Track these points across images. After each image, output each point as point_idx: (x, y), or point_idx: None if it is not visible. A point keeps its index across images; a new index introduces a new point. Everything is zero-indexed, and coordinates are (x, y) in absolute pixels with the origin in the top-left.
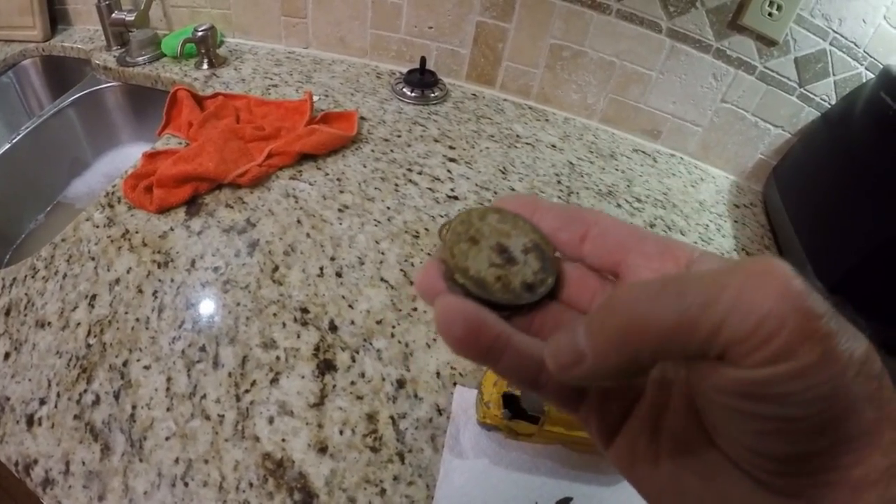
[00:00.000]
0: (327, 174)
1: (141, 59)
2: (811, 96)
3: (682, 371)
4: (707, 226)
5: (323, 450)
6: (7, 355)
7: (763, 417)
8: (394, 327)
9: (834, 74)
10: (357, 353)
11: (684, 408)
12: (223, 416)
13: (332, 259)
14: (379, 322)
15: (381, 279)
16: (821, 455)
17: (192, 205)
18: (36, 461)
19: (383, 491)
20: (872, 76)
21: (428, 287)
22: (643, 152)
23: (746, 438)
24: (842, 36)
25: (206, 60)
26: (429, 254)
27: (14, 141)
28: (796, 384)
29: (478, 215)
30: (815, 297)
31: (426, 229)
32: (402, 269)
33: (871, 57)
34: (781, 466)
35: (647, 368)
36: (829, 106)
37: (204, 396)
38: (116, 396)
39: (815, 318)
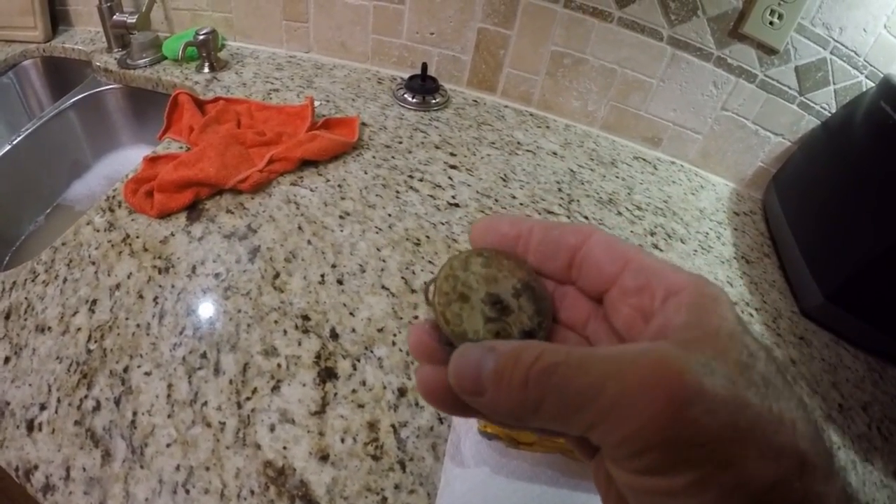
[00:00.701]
0: (328, 180)
1: (142, 61)
2: (811, 105)
3: None
4: (707, 234)
5: (324, 458)
6: (7, 359)
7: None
8: (395, 335)
9: (834, 83)
10: (358, 361)
11: None
12: (224, 423)
13: (334, 266)
14: (380, 330)
15: (383, 287)
16: None
17: (193, 210)
18: (36, 467)
19: (384, 499)
20: (872, 85)
21: (423, 353)
22: (644, 160)
23: None
24: (842, 45)
25: (207, 64)
26: (430, 262)
27: (14, 142)
28: (666, 501)
29: (461, 265)
30: (709, 410)
31: (427, 237)
32: (403, 277)
33: (871, 66)
34: None
35: (537, 427)
36: (829, 114)
37: (205, 403)
38: (117, 402)
39: (696, 444)
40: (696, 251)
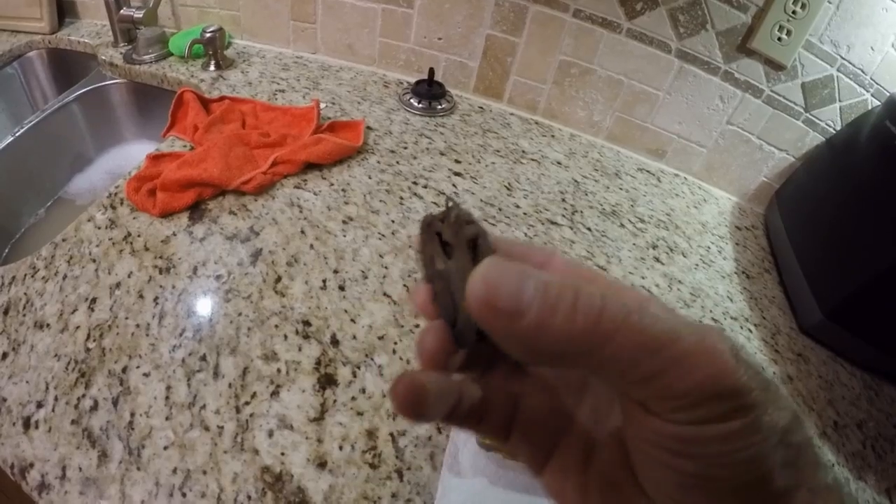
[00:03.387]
0: (332, 184)
1: (148, 57)
2: (816, 121)
3: (615, 412)
4: (709, 248)
5: (322, 465)
6: (4, 355)
7: (684, 472)
8: (395, 343)
9: (840, 100)
10: (358, 368)
11: (615, 445)
12: (222, 427)
13: (336, 272)
14: (381, 337)
15: (384, 294)
16: None
17: (196, 210)
18: (32, 465)
19: None
20: (878, 103)
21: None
22: (648, 171)
23: (669, 488)
24: (849, 62)
25: (213, 62)
26: None
27: (17, 134)
28: (719, 447)
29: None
30: (749, 372)
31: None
32: (405, 285)
33: (877, 84)
34: None
35: (573, 366)
36: (834, 132)
37: (203, 407)
38: (115, 403)
39: (746, 392)
40: (697, 265)
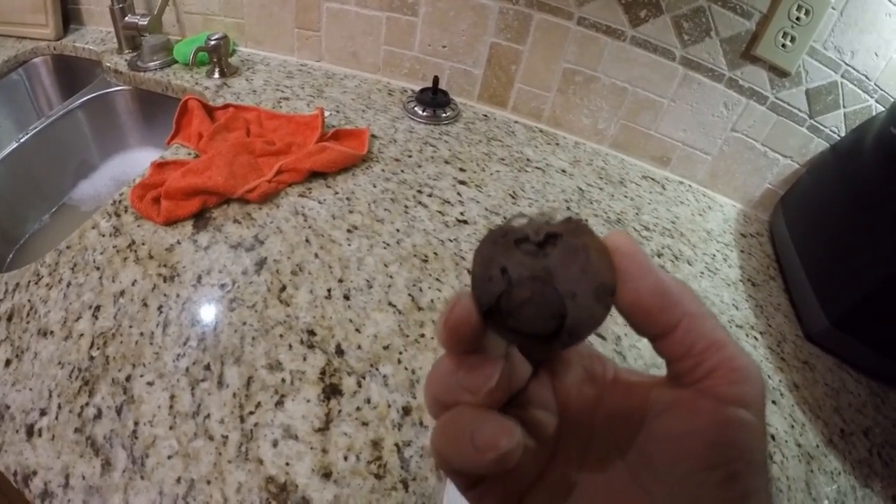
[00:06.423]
0: (337, 193)
1: (152, 64)
2: (821, 128)
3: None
4: (714, 255)
5: (327, 475)
6: (8, 362)
7: (711, 462)
8: (401, 353)
9: (844, 106)
10: (363, 378)
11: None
12: (227, 437)
13: (340, 281)
14: (386, 347)
15: (389, 303)
16: None
17: (200, 218)
18: (35, 472)
19: None
20: (882, 109)
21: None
22: (652, 179)
23: (685, 485)
24: (853, 68)
25: (217, 69)
26: (438, 279)
27: (22, 140)
28: (749, 436)
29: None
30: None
31: (435, 253)
32: (410, 294)
33: (881, 90)
34: None
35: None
36: (839, 138)
37: (208, 416)
38: (119, 411)
39: (765, 392)
40: (702, 273)
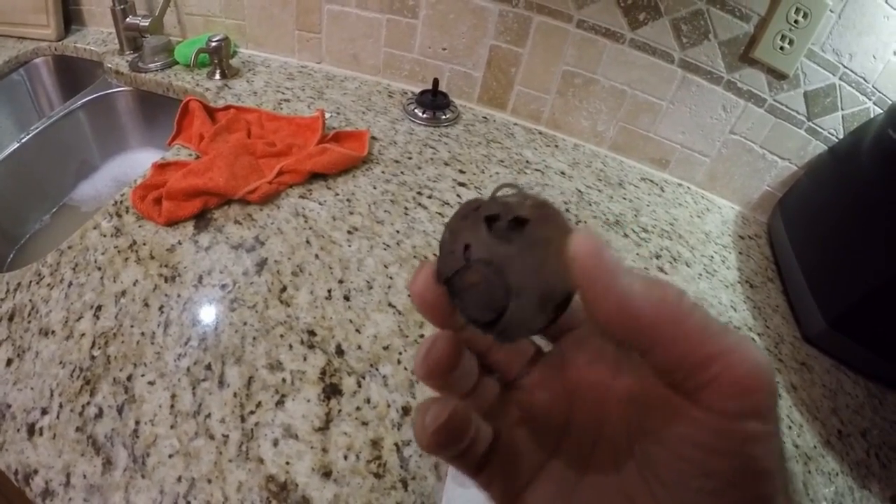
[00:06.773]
0: (337, 194)
1: (153, 65)
2: (819, 130)
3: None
4: (712, 257)
5: (327, 474)
6: (9, 361)
7: (712, 472)
8: (400, 354)
9: (842, 109)
10: (363, 378)
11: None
12: (227, 436)
13: (341, 282)
14: (386, 348)
15: (389, 304)
16: None
17: (201, 219)
18: (36, 471)
19: None
20: (880, 111)
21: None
22: (651, 181)
23: (688, 494)
24: (851, 71)
25: (218, 71)
26: None
27: (23, 140)
28: (751, 447)
29: None
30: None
31: (435, 255)
32: (409, 295)
33: (879, 92)
34: None
35: (642, 341)
36: (837, 140)
37: (208, 415)
38: (120, 411)
39: (775, 395)
40: (700, 275)
